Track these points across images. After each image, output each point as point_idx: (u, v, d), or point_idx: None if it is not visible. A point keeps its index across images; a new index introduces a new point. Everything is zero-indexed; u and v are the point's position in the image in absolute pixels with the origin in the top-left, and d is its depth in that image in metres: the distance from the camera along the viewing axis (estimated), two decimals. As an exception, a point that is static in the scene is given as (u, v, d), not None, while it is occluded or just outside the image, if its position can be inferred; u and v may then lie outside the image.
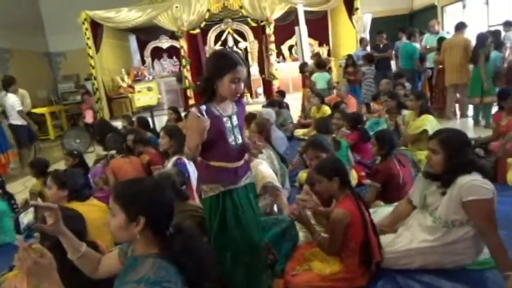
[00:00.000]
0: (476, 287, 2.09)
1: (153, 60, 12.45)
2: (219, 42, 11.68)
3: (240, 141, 2.05)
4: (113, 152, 4.14)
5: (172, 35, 11.30)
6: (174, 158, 3.32)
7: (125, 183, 1.46)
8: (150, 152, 4.14)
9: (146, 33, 11.79)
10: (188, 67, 10.63)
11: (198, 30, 10.87)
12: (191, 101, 10.40)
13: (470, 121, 6.21)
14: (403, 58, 7.42)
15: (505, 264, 1.92)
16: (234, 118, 2.04)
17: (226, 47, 11.64)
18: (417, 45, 7.68)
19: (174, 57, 12.36)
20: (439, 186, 2.19)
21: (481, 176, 2.06)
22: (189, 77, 10.65)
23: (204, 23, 10.65)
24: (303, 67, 8.35)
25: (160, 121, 7.94)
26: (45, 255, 1.24)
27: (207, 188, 2.05)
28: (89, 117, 9.01)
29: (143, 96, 7.97)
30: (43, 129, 10.27)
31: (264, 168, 3.07)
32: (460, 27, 6.26)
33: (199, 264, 1.36)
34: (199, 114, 1.85)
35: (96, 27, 10.17)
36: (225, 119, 2.00)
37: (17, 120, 6.35)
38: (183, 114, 6.42)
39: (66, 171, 2.82)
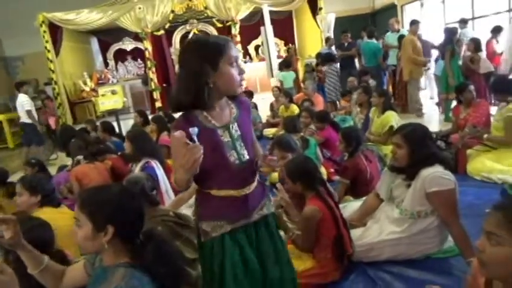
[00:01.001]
0: (442, 274, 2.17)
1: (116, 63, 12.14)
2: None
3: (246, 157, 1.50)
4: (80, 157, 4.01)
5: (136, 37, 11.07)
6: (141, 162, 3.25)
7: (90, 190, 1.39)
8: (112, 158, 4.04)
9: (108, 35, 11.48)
10: (154, 69, 10.45)
11: (162, 32, 10.70)
12: (158, 104, 10.22)
13: (434, 115, 6.41)
14: (367, 56, 7.62)
15: (467, 251, 2.01)
16: (235, 127, 1.49)
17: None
18: (379, 43, 7.92)
19: (139, 59, 12.11)
20: (404, 179, 2.27)
21: (443, 168, 2.15)
22: (155, 79, 10.47)
23: (168, 24, 10.50)
24: (283, 65, 8.39)
25: (126, 125, 7.75)
26: (5, 271, 1.17)
27: (207, 227, 1.51)
28: (51, 123, 8.67)
29: (107, 100, 7.76)
30: (1, 137, 9.79)
31: None
32: (411, 24, 6.50)
33: (172, 270, 1.33)
34: (187, 141, 1.30)
35: (55, 30, 9.80)
36: (220, 132, 1.47)
37: (26, 119, 6.87)
38: (150, 117, 6.30)
39: (36, 176, 2.70)
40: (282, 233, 2.45)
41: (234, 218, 1.50)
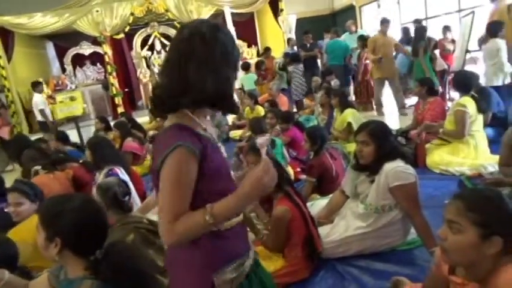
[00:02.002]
0: (407, 265, 2.25)
1: (74, 68, 11.71)
2: (146, 47, 11.33)
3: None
4: (38, 167, 3.83)
5: (95, 41, 10.74)
6: (105, 170, 3.15)
7: (50, 201, 1.37)
8: (74, 166, 3.89)
9: (65, 39, 11.04)
10: (114, 74, 10.17)
11: (122, 35, 10.45)
12: (120, 109, 9.96)
13: (394, 112, 6.58)
14: (332, 55, 7.76)
15: (430, 241, 2.09)
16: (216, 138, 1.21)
17: (154, 51, 11.33)
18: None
19: (98, 64, 11.74)
20: (367, 175, 2.33)
21: (404, 162, 2.23)
22: (116, 84, 10.19)
23: (128, 27, 10.26)
24: (260, 65, 8.38)
25: (88, 132, 7.50)
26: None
27: (231, 273, 1.12)
28: (3, 133, 8.20)
29: (66, 107, 7.46)
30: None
31: None
32: (381, 23, 6.55)
33: (138, 281, 1.31)
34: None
35: (6, 35, 9.33)
36: (220, 145, 1.19)
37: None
38: (112, 123, 6.13)
39: (27, 182, 2.57)
40: (252, 235, 2.46)
41: (243, 253, 1.18)
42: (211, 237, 1.08)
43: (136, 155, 4.99)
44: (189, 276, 1.11)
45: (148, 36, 11.18)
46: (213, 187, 1.04)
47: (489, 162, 3.41)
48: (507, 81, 4.55)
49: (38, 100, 7.23)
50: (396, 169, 2.19)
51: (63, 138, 5.07)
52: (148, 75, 11.44)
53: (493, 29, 4.58)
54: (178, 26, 10.88)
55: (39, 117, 7.30)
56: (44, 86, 10.36)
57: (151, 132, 6.30)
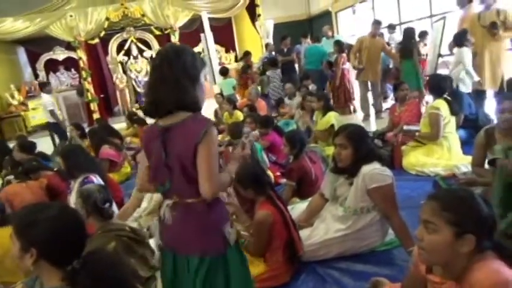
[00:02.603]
0: (386, 266, 2.28)
1: (47, 74, 11.41)
2: (122, 52, 11.16)
3: None
4: (10, 177, 3.72)
5: (69, 46, 10.51)
6: (80, 178, 3.07)
7: (25, 210, 1.31)
8: (47, 175, 3.77)
9: (37, 44, 10.77)
10: (89, 79, 10.00)
11: (97, 40, 10.27)
12: (95, 115, 9.77)
13: (371, 115, 6.69)
14: (309, 60, 7.84)
15: (407, 241, 2.13)
16: None
17: (131, 56, 11.19)
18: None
19: (73, 69, 11.50)
20: (346, 178, 2.36)
21: (380, 164, 2.27)
22: (92, 90, 10.02)
23: (103, 32, 10.10)
24: (246, 68, 8.36)
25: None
26: None
27: (229, 228, 1.51)
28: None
29: (39, 114, 7.25)
30: None
31: None
32: (373, 24, 6.34)
33: None
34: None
35: (-25, 40, 9.04)
36: None
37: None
38: (87, 129, 5.99)
39: None
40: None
41: None
42: (220, 204, 1.50)
43: (113, 162, 4.89)
44: (208, 234, 1.45)
45: (125, 41, 11.03)
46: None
47: (462, 162, 3.51)
48: (473, 87, 4.71)
49: (47, 101, 7.17)
50: (373, 171, 2.23)
51: (27, 148, 4.86)
52: (124, 81, 11.27)
53: (459, 39, 4.74)
54: (155, 30, 10.83)
55: (49, 119, 7.22)
56: (15, 92, 10.11)
57: (128, 139, 6.19)
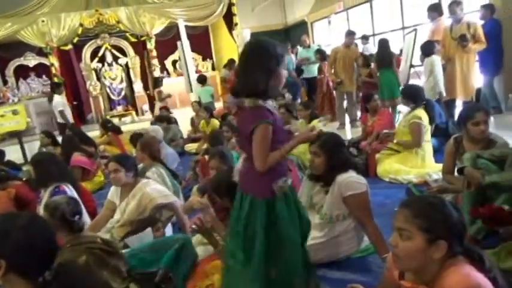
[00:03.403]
0: (362, 272, 2.31)
1: (17, 80, 11.04)
2: (96, 59, 10.96)
3: None
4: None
5: (40, 52, 10.24)
6: (50, 188, 2.97)
7: None
8: (16, 185, 3.64)
9: (7, 50, 10.41)
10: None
11: (70, 46, 10.05)
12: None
13: (346, 124, 6.79)
14: None
15: (382, 248, 2.16)
16: None
17: (105, 63, 11.00)
18: (292, 57, 8.33)
19: (44, 76, 11.17)
20: (322, 186, 2.39)
21: (355, 172, 2.31)
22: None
23: (77, 38, 9.90)
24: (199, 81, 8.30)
25: (32, 147, 7.06)
26: None
27: (277, 184, 1.82)
28: None
29: (7, 121, 7.01)
30: None
31: (151, 189, 2.87)
32: (347, 35, 6.42)
33: None
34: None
35: None
36: (276, 106, 1.99)
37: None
38: (59, 138, 5.83)
39: None
40: (209, 247, 2.42)
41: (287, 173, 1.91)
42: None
43: (86, 170, 4.76)
44: (260, 184, 1.83)
45: (99, 47, 10.84)
46: (277, 138, 1.77)
47: (434, 170, 3.61)
48: (442, 96, 4.88)
49: (57, 101, 7.27)
50: (349, 179, 2.26)
51: None
52: (98, 88, 11.05)
53: (426, 49, 4.91)
54: (130, 37, 10.71)
55: (59, 119, 7.34)
56: (-17, 99, 9.73)
57: (102, 147, 6.06)
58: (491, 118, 4.93)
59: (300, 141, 1.89)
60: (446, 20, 5.34)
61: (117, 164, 2.78)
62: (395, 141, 4.02)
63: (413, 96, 3.96)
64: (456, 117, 4.37)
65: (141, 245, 2.41)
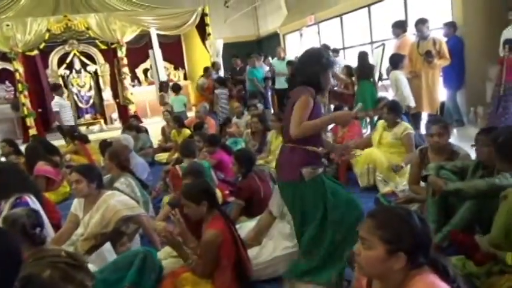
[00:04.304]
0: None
1: (-22, 86, 10.55)
2: (64, 65, 10.64)
3: None
4: None
5: (4, 57, 9.83)
6: (11, 199, 2.83)
7: None
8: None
9: (-33, 54, 9.97)
10: (26, 93, 9.41)
11: (36, 52, 9.72)
12: (32, 131, 9.17)
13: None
14: (250, 81, 8.02)
15: (351, 256, 2.19)
16: None
17: (73, 70, 10.70)
18: (265, 68, 8.41)
19: (7, 82, 10.70)
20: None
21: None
22: (28, 104, 9.41)
23: (43, 44, 9.60)
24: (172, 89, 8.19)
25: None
26: None
27: (305, 169, 2.17)
28: None
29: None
30: None
31: (116, 201, 2.77)
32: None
33: None
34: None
35: None
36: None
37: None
38: (22, 147, 5.59)
39: None
40: (179, 260, 2.37)
41: (320, 162, 2.29)
42: (301, 151, 2.19)
43: (51, 180, 4.58)
44: (290, 167, 2.21)
45: (67, 54, 10.54)
46: (316, 114, 2.16)
47: (401, 180, 3.71)
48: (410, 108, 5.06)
49: (54, 102, 7.28)
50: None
51: None
52: (65, 96, 10.70)
53: (394, 61, 5.09)
54: (100, 44, 10.48)
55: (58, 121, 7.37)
56: None
57: (68, 156, 5.85)
58: (454, 130, 5.22)
59: (336, 118, 2.32)
60: (410, 36, 5.56)
61: (78, 174, 2.70)
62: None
63: (399, 110, 4.05)
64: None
65: (102, 266, 2.33)
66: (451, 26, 5.46)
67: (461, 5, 5.49)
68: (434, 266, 1.24)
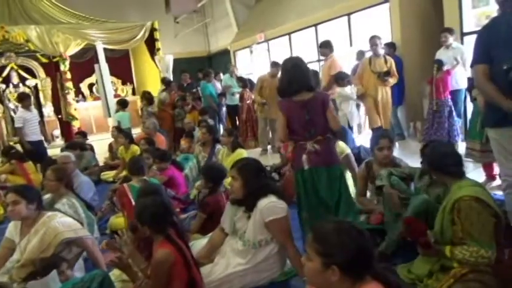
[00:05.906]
0: (285, 296, 2.33)
1: None
2: (0, 79, 9.95)
3: None
4: None
5: None
6: None
7: None
8: None
9: None
10: (-44, 108, 8.65)
11: (-32, 64, 9.03)
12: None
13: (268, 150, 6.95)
14: (203, 97, 7.98)
15: (302, 270, 2.20)
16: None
17: (10, 84, 10.03)
18: (217, 84, 8.43)
19: None
20: (244, 211, 2.39)
21: (277, 197, 2.36)
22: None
23: (-23, 56, 8.95)
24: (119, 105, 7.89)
25: None
26: None
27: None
28: None
29: None
30: None
31: (57, 222, 2.57)
32: (272, 66, 6.48)
33: None
34: None
35: None
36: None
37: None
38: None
39: None
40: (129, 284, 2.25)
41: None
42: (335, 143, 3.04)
43: (-17, 203, 4.21)
44: (335, 154, 2.91)
45: (4, 67, 9.88)
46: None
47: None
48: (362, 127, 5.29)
49: (17, 117, 6.62)
50: (269, 204, 2.30)
51: None
52: (1, 111, 10.00)
53: (337, 79, 5.31)
54: (41, 58, 9.95)
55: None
56: None
57: (3, 176, 5.43)
58: (396, 144, 5.51)
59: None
60: (336, 56, 5.71)
61: (16, 195, 2.49)
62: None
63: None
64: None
65: None
66: (391, 46, 5.80)
67: (400, 26, 5.89)
68: (378, 276, 1.28)
